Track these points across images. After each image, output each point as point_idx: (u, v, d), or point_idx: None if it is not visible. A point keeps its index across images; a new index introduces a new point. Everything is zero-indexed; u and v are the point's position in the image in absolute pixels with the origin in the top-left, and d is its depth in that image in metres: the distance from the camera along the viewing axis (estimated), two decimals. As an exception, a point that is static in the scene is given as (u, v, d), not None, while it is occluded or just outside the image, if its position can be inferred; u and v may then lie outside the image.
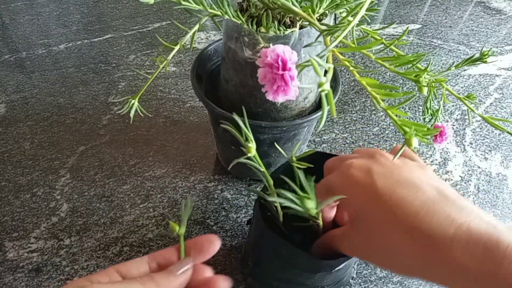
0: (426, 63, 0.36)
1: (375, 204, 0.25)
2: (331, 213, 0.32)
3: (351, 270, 0.38)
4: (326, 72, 0.23)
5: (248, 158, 0.27)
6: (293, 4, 0.29)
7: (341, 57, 0.27)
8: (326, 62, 0.26)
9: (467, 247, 0.21)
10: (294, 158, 0.29)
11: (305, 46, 0.34)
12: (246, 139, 0.25)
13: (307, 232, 0.33)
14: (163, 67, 0.38)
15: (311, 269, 0.31)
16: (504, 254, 0.20)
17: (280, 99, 0.25)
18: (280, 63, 0.24)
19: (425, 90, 0.28)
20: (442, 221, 0.22)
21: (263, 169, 0.27)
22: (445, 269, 0.22)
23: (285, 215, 0.32)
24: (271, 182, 0.28)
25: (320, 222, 0.30)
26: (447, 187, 0.26)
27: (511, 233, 0.21)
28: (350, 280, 0.42)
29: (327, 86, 0.21)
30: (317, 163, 0.31)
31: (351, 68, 0.26)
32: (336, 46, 0.27)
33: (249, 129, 0.25)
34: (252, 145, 0.25)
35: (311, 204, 0.23)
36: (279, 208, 0.30)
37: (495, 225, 0.22)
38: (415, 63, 0.29)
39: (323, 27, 0.29)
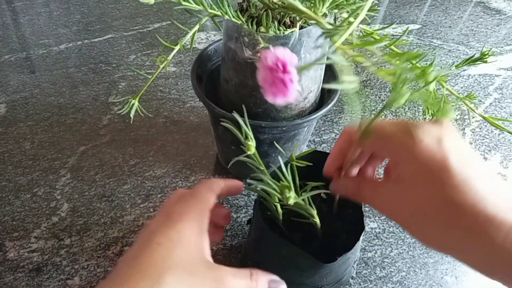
0: (427, 63, 0.36)
1: (439, 177, 0.24)
2: (355, 170, 0.31)
3: (351, 270, 0.38)
4: (327, 70, 0.24)
5: (248, 157, 0.27)
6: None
7: (353, 53, 0.27)
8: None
9: None
10: (293, 157, 0.29)
11: (316, 48, 0.34)
12: (246, 137, 0.25)
13: (306, 231, 0.33)
14: (163, 67, 0.38)
15: (311, 268, 0.31)
16: None
17: (280, 102, 0.25)
18: (280, 66, 0.24)
19: (432, 86, 0.28)
20: (507, 210, 0.22)
21: (262, 167, 0.27)
22: (496, 255, 0.22)
23: (285, 214, 0.32)
24: (268, 176, 0.28)
25: (317, 220, 0.30)
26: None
27: None
28: (350, 280, 0.42)
29: (354, 84, 0.21)
30: (316, 162, 0.31)
31: (366, 63, 0.25)
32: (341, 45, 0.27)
33: (249, 127, 0.25)
34: (252, 143, 0.25)
35: (289, 194, 0.24)
36: (278, 207, 0.30)
37: None
38: (421, 58, 0.28)
39: (329, 26, 0.29)
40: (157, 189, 0.50)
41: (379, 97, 0.67)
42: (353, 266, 0.38)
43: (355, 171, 0.31)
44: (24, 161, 0.52)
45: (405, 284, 0.43)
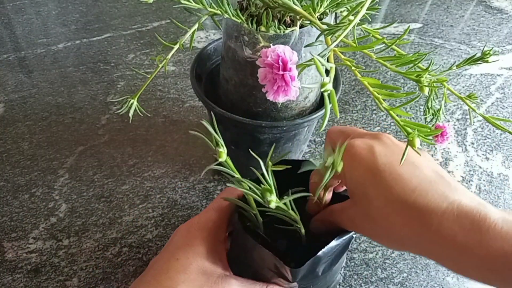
0: (427, 63, 0.35)
1: (375, 179, 0.26)
2: (329, 196, 0.32)
3: (338, 276, 0.37)
4: (327, 71, 0.23)
5: (220, 164, 0.26)
6: (294, 3, 0.29)
7: (342, 56, 0.26)
8: (328, 61, 0.25)
9: (456, 219, 0.23)
10: (270, 163, 0.28)
11: (306, 46, 0.34)
12: (217, 144, 0.25)
13: (291, 239, 0.32)
14: (162, 67, 0.38)
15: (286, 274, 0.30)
16: (489, 226, 0.21)
17: (280, 99, 0.25)
18: (280, 63, 0.23)
19: (426, 90, 0.28)
20: (436, 198, 0.24)
21: (237, 174, 0.26)
22: (434, 241, 0.23)
23: (268, 223, 0.31)
24: (248, 181, 0.27)
25: (301, 227, 0.30)
26: (444, 171, 0.27)
27: (500, 212, 0.23)
28: (340, 283, 0.41)
29: (330, 86, 0.20)
30: (297, 168, 0.31)
31: (353, 68, 0.25)
32: (337, 46, 0.26)
33: (219, 134, 0.24)
34: (223, 150, 0.24)
35: (271, 197, 0.23)
36: (258, 215, 0.30)
37: (485, 204, 0.23)
38: (416, 63, 0.28)
39: (324, 26, 0.28)
40: (156, 190, 0.50)
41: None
42: (340, 273, 0.38)
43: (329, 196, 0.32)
44: (22, 161, 0.52)
45: (406, 285, 0.42)
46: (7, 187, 0.49)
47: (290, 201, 0.27)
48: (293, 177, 0.30)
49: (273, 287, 0.30)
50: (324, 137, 0.58)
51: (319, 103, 0.44)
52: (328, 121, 0.60)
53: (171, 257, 0.29)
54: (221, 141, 0.24)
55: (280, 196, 0.26)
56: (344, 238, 0.29)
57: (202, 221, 0.31)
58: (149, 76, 0.40)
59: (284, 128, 0.40)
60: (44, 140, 0.55)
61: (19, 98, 0.61)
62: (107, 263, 0.42)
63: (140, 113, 0.38)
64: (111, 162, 0.52)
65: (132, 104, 0.42)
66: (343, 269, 0.39)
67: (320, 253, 0.28)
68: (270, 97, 0.25)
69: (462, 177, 0.54)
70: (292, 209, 0.28)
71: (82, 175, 0.51)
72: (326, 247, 0.28)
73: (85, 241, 0.44)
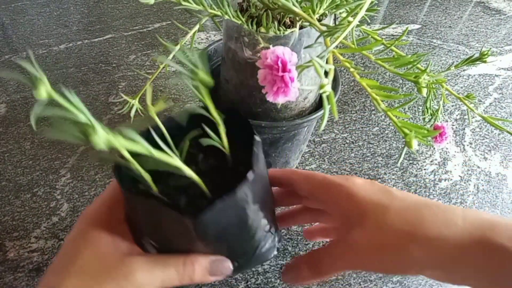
0: (426, 63, 0.36)
1: (388, 193, 0.26)
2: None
3: (267, 238, 0.31)
4: (326, 72, 0.24)
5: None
6: (293, 4, 0.29)
7: (341, 58, 0.27)
8: (327, 63, 0.26)
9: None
10: (151, 107, 0.24)
11: (306, 47, 0.34)
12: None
13: (190, 195, 0.27)
14: (163, 67, 0.38)
15: (186, 230, 0.25)
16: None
17: (280, 100, 0.25)
18: (280, 64, 0.24)
19: (424, 91, 0.28)
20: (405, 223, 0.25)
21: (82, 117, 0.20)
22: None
23: (160, 180, 0.27)
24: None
25: (191, 173, 0.25)
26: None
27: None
28: (274, 254, 0.33)
29: (328, 88, 0.21)
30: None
31: (352, 69, 0.26)
32: (336, 47, 0.27)
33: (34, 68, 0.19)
34: (43, 85, 0.18)
35: (95, 134, 0.18)
36: (142, 171, 0.25)
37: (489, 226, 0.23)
38: (415, 64, 0.29)
39: (323, 28, 0.29)
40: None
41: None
42: (271, 232, 0.31)
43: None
44: (24, 161, 0.52)
45: (405, 284, 0.43)
46: (9, 187, 0.49)
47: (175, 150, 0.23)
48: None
49: (194, 257, 0.26)
50: (324, 136, 0.58)
51: (319, 103, 0.44)
52: (327, 121, 0.61)
53: (60, 254, 0.26)
54: (41, 76, 0.18)
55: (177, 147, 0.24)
56: (250, 177, 0.25)
57: (94, 207, 0.27)
58: (150, 76, 0.40)
59: (284, 128, 0.40)
60: (46, 140, 0.55)
61: (21, 99, 0.61)
62: (108, 262, 0.43)
63: (141, 114, 0.38)
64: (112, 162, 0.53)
65: (133, 104, 0.43)
66: (276, 239, 0.32)
67: (223, 197, 0.23)
68: (269, 98, 0.25)
69: (460, 176, 0.54)
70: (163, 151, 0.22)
71: (83, 175, 0.51)
72: (232, 190, 0.23)
73: (87, 240, 0.44)
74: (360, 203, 0.26)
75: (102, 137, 0.18)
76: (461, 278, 0.23)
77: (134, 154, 0.23)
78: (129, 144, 0.20)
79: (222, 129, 0.27)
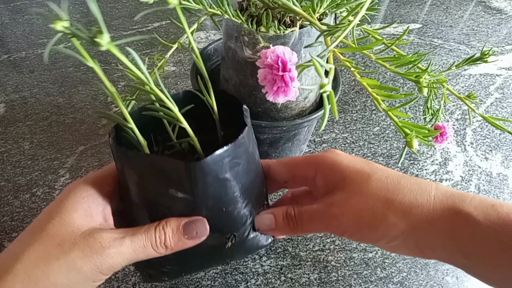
0: (427, 63, 0.36)
1: (369, 163, 0.28)
2: (283, 170, 0.31)
3: (263, 237, 0.31)
4: (327, 72, 0.23)
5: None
6: (293, 3, 0.29)
7: (342, 57, 0.27)
8: (327, 62, 0.26)
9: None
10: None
11: (306, 47, 0.34)
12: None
13: (187, 158, 0.29)
14: (161, 65, 0.38)
15: (187, 180, 0.24)
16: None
17: (280, 100, 0.25)
18: (280, 64, 0.24)
19: (425, 91, 0.28)
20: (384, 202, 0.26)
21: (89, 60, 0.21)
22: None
23: (154, 146, 0.28)
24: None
25: (186, 125, 0.25)
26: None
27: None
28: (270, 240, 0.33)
29: (329, 87, 0.20)
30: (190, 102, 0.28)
31: (352, 69, 0.26)
32: (337, 46, 0.27)
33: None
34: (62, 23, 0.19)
35: (102, 38, 0.19)
36: (137, 132, 0.25)
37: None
38: (415, 63, 0.28)
39: (324, 27, 0.28)
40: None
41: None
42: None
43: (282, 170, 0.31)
44: (23, 161, 0.52)
45: (406, 284, 0.42)
46: (8, 187, 0.49)
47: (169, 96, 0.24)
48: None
49: (165, 221, 0.25)
50: (324, 136, 0.58)
51: (319, 103, 0.44)
52: (327, 121, 0.61)
53: (34, 221, 0.25)
54: (62, 14, 0.19)
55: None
56: (244, 131, 0.26)
57: (80, 180, 0.27)
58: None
59: (284, 128, 0.40)
60: (45, 140, 0.55)
61: (20, 98, 0.61)
62: (107, 263, 0.42)
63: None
64: (111, 162, 0.53)
65: (130, 103, 0.42)
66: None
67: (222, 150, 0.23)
68: (269, 97, 0.25)
69: (462, 177, 0.54)
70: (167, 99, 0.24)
71: (82, 175, 0.51)
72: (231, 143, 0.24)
73: (86, 241, 0.44)
74: (343, 170, 0.27)
75: (107, 39, 0.19)
76: (430, 246, 0.24)
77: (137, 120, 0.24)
78: (125, 60, 0.21)
79: (211, 93, 0.27)
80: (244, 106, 0.28)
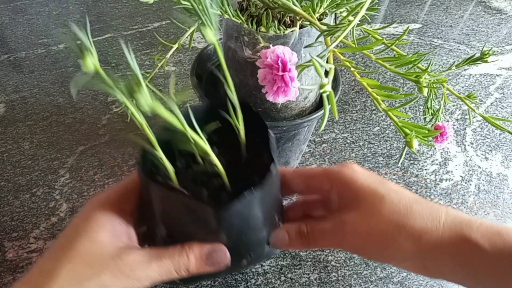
0: (427, 63, 0.36)
1: (384, 182, 0.28)
2: (298, 181, 0.31)
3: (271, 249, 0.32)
4: (327, 72, 0.23)
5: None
6: (293, 3, 0.29)
7: (341, 57, 0.27)
8: (327, 62, 0.26)
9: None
10: (173, 96, 0.24)
11: (306, 47, 0.34)
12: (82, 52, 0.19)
13: (214, 188, 0.28)
14: (161, 65, 0.38)
15: (209, 221, 0.25)
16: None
17: (280, 100, 0.25)
18: (280, 64, 0.24)
19: (425, 91, 0.28)
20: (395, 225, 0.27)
21: (112, 82, 0.20)
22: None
23: (181, 173, 0.27)
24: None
25: (216, 161, 0.26)
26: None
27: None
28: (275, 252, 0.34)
29: (328, 87, 0.20)
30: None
31: (352, 69, 0.26)
32: (337, 46, 0.27)
33: (86, 38, 0.19)
34: (90, 59, 0.18)
35: (139, 91, 0.18)
36: (165, 160, 0.25)
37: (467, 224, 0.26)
38: (415, 63, 0.28)
39: (324, 27, 0.28)
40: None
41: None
42: (279, 224, 0.31)
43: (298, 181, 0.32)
44: (23, 161, 0.52)
45: (406, 284, 0.42)
46: (8, 187, 0.49)
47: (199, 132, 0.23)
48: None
49: (189, 248, 0.26)
50: (324, 136, 0.58)
51: (319, 103, 0.44)
52: (327, 121, 0.61)
53: (60, 236, 0.25)
54: (91, 48, 0.18)
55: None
56: (273, 170, 0.26)
57: (103, 195, 0.27)
58: (149, 76, 0.40)
59: (284, 128, 0.40)
60: (44, 140, 0.55)
61: (20, 98, 0.61)
62: (107, 263, 0.42)
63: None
64: (111, 162, 0.53)
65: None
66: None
67: (251, 191, 0.24)
68: (269, 97, 0.25)
69: (462, 177, 0.54)
70: (197, 133, 0.23)
71: (82, 175, 0.51)
72: (257, 186, 0.24)
73: (86, 241, 0.44)
74: (358, 189, 0.28)
75: (146, 97, 0.18)
76: (438, 270, 0.25)
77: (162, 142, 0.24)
78: (168, 114, 0.20)
79: (240, 117, 0.27)
80: (271, 133, 0.27)
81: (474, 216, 0.49)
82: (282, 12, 0.35)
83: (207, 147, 0.24)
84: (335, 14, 0.35)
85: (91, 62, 0.18)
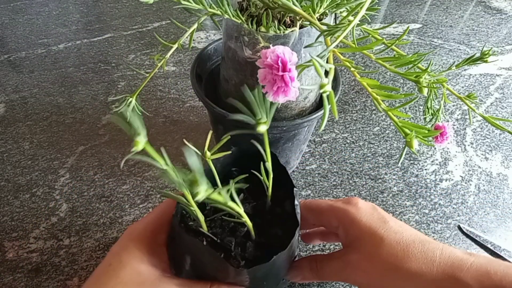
0: (427, 63, 0.36)
1: (386, 223, 0.31)
2: (311, 217, 0.34)
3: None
4: (327, 72, 0.23)
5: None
6: (293, 3, 0.29)
7: (341, 57, 0.27)
8: (327, 62, 0.26)
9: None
10: (208, 154, 0.27)
11: (306, 47, 0.34)
12: (134, 133, 0.20)
13: (240, 236, 0.31)
14: (161, 65, 0.38)
15: (234, 275, 0.28)
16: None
17: (280, 100, 0.25)
18: (280, 64, 0.24)
19: (425, 91, 0.28)
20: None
21: (162, 162, 0.22)
22: None
23: (215, 222, 0.31)
24: (171, 167, 0.23)
25: (246, 219, 0.28)
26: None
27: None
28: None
29: (328, 87, 0.20)
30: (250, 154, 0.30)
31: (352, 69, 0.26)
32: (337, 46, 0.27)
33: (141, 122, 0.20)
34: (141, 140, 0.20)
35: (198, 188, 0.20)
36: (198, 212, 0.28)
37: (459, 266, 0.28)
38: (415, 63, 0.28)
39: (324, 27, 0.28)
40: (157, 190, 0.50)
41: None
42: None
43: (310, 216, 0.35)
44: (23, 161, 0.52)
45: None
46: (8, 187, 0.49)
47: (232, 193, 0.25)
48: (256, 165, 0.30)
49: (219, 286, 0.29)
50: (324, 136, 0.58)
51: (319, 103, 0.44)
52: (327, 121, 0.61)
53: (105, 263, 0.29)
54: (140, 130, 0.20)
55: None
56: (297, 232, 0.29)
57: (140, 226, 0.31)
58: (149, 76, 0.40)
59: (284, 128, 0.40)
60: (44, 140, 0.55)
61: (20, 98, 0.61)
62: (107, 263, 0.42)
63: (139, 113, 0.38)
64: (111, 162, 0.53)
65: (130, 102, 0.42)
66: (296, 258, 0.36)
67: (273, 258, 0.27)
68: (269, 97, 0.25)
69: (462, 177, 0.54)
70: (233, 201, 0.25)
71: (82, 175, 0.51)
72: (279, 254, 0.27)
73: (86, 241, 0.44)
74: (360, 229, 0.31)
75: (203, 190, 0.20)
76: None
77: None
78: (218, 197, 0.23)
79: (270, 176, 0.29)
80: (296, 190, 0.29)
81: (474, 216, 0.49)
82: (282, 12, 0.35)
83: (242, 211, 0.26)
84: (335, 14, 0.35)
85: (142, 143, 0.20)
